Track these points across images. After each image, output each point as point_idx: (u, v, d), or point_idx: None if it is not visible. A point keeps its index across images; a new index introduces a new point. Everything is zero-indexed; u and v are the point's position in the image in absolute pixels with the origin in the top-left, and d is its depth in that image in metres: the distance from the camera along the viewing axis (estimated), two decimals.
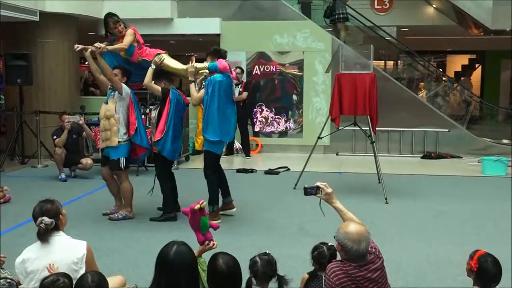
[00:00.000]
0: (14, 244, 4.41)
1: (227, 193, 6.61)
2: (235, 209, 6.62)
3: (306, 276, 3.61)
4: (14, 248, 4.02)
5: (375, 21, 13.12)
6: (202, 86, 6.37)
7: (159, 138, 6.28)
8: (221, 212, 6.47)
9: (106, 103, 6.35)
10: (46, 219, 3.40)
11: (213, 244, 3.51)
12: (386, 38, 13.43)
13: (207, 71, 6.30)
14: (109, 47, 6.23)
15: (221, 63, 6.26)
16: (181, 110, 6.47)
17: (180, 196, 6.71)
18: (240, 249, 3.52)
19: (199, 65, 6.39)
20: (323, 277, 3.29)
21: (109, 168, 6.46)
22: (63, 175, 8.66)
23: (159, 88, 6.34)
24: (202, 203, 3.50)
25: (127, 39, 6.28)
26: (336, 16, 11.76)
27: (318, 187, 3.52)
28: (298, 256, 4.77)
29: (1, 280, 3.48)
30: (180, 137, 6.64)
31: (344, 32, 11.99)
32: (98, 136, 7.27)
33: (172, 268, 2.87)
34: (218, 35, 11.76)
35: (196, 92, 6.34)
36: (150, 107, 8.95)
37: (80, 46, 6.29)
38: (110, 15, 6.50)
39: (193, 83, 6.35)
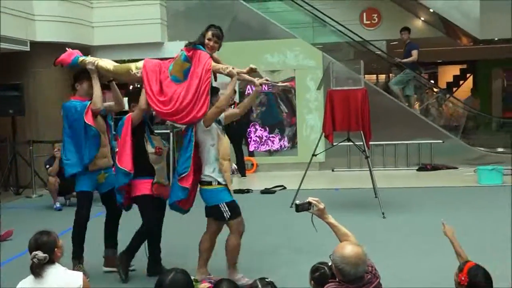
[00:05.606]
0: (12, 276, 4.35)
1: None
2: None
3: None
4: (12, 280, 3.97)
5: (364, 36, 13.24)
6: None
7: None
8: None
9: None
10: (39, 254, 3.34)
11: None
12: (376, 53, 13.53)
13: None
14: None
15: None
16: None
17: None
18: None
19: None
20: None
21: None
22: (58, 204, 8.58)
23: None
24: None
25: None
26: None
27: (309, 203, 3.48)
28: (294, 274, 4.75)
29: None
30: None
31: None
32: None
33: None
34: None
35: None
36: None
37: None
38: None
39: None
